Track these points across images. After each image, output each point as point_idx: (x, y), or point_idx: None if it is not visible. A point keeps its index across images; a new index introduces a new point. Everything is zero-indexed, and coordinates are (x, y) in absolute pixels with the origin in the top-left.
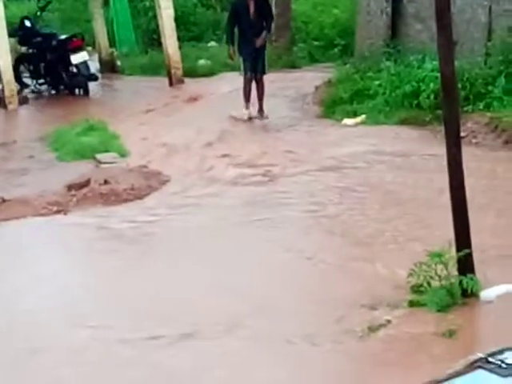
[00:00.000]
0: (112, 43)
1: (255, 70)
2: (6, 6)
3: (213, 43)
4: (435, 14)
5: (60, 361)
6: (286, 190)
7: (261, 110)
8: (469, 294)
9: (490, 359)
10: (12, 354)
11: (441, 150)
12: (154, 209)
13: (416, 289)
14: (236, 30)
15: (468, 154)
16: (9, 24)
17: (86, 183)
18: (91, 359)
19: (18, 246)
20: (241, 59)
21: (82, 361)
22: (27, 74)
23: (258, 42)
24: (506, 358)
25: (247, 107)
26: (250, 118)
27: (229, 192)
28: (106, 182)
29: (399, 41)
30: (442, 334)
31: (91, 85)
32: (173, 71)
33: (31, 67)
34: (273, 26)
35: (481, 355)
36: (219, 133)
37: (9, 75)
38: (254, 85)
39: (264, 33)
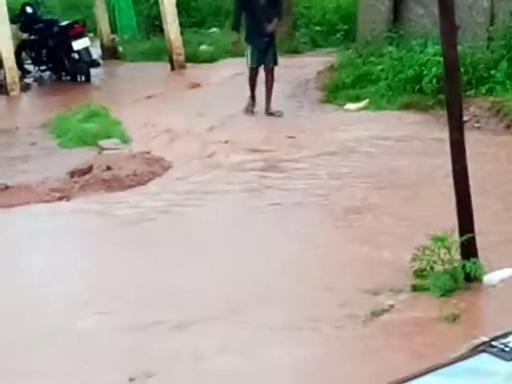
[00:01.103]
0: (114, 29)
1: (265, 61)
2: None
3: (214, 29)
4: None
5: (65, 347)
6: (289, 175)
7: (268, 109)
8: (472, 279)
9: (494, 343)
10: (16, 341)
11: (443, 135)
12: (157, 195)
13: (419, 273)
14: (244, 17)
15: (470, 138)
16: (10, 10)
17: (89, 169)
18: (94, 346)
19: (22, 232)
20: (248, 48)
21: (85, 348)
22: (29, 61)
23: (270, 28)
24: (510, 342)
25: (252, 103)
26: (253, 112)
27: (231, 177)
28: (108, 168)
29: (401, 26)
30: (446, 318)
31: (93, 71)
32: (174, 57)
33: (33, 54)
34: None
35: (484, 339)
36: (221, 118)
37: (11, 62)
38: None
39: (275, 19)
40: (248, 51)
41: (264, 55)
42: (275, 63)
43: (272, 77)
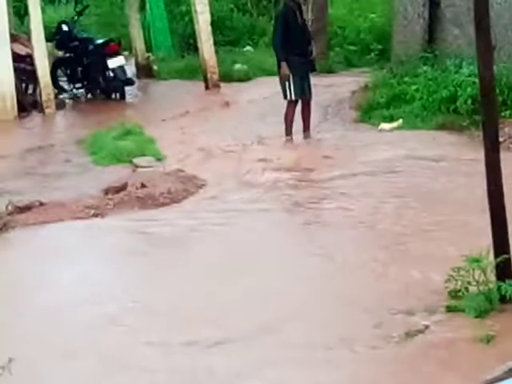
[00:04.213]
0: (148, 48)
1: (305, 92)
2: (43, 11)
3: (249, 48)
4: (474, 17)
5: (92, 364)
6: (324, 194)
7: (307, 129)
8: (507, 300)
9: None
10: (46, 355)
11: (479, 155)
12: (191, 213)
13: (454, 294)
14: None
15: (505, 159)
16: (46, 28)
17: (123, 187)
18: (124, 362)
19: (56, 248)
20: (290, 79)
21: (114, 363)
22: (64, 79)
23: (314, 52)
24: None
25: (290, 136)
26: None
27: (266, 196)
28: (142, 185)
29: (436, 45)
30: (480, 339)
31: (128, 89)
32: (209, 76)
33: (68, 71)
34: None
35: None
36: (255, 137)
37: (46, 79)
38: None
39: (312, 43)
40: (289, 81)
41: (303, 84)
42: (311, 95)
43: (309, 110)
